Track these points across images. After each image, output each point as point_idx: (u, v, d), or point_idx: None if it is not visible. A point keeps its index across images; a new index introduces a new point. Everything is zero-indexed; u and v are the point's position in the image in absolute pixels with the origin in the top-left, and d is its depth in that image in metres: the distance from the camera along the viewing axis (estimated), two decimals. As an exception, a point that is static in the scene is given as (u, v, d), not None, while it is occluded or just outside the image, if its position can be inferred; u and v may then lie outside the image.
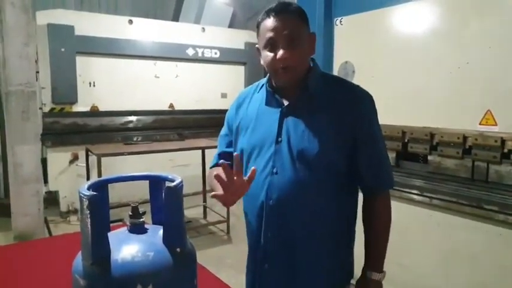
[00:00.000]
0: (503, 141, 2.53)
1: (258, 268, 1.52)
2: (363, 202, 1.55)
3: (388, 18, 3.22)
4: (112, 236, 0.93)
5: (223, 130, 1.71)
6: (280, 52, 1.37)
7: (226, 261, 4.10)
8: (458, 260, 2.77)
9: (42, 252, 1.99)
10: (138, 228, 0.98)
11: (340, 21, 3.60)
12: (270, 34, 1.39)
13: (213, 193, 1.27)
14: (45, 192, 5.54)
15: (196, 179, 5.50)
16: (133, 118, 6.32)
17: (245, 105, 1.61)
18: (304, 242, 1.46)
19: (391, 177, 1.54)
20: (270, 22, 1.39)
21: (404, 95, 3.13)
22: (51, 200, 5.87)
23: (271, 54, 1.40)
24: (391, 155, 3.19)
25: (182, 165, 6.10)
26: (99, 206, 0.88)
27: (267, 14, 1.41)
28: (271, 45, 1.40)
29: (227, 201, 1.26)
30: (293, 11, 1.41)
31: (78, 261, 0.91)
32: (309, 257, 1.47)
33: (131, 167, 5.20)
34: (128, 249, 0.90)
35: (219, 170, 1.58)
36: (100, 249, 0.88)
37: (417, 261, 3.03)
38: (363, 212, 1.56)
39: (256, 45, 1.50)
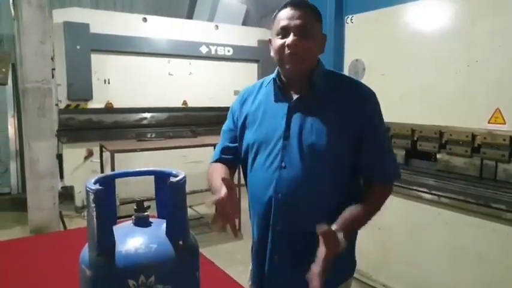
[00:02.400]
0: (511, 139, 2.53)
1: (267, 260, 1.54)
2: (364, 189, 1.54)
3: (398, 16, 3.22)
4: (117, 229, 0.97)
5: (227, 125, 1.71)
6: (290, 38, 1.40)
7: (237, 256, 4.14)
8: (466, 258, 2.76)
9: (56, 245, 2.05)
10: (142, 222, 1.01)
11: (351, 19, 3.60)
12: (284, 22, 1.42)
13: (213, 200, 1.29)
14: (61, 188, 5.65)
15: (208, 175, 5.49)
16: (147, 115, 6.38)
17: (250, 101, 1.62)
18: (313, 234, 1.48)
19: (393, 172, 1.54)
20: (285, 12, 1.44)
21: (414, 93, 3.13)
22: (67, 195, 5.97)
23: (281, 41, 1.43)
24: (400, 153, 3.20)
25: (195, 161, 6.13)
26: (104, 199, 0.92)
27: (285, 5, 1.46)
28: (283, 32, 1.43)
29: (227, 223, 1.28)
30: (310, 6, 1.46)
31: (85, 252, 0.95)
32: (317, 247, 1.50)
33: (144, 163, 5.26)
34: (132, 241, 0.93)
35: (221, 169, 1.61)
36: (105, 241, 0.91)
37: (425, 259, 3.03)
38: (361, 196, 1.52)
39: (269, 37, 1.54)
